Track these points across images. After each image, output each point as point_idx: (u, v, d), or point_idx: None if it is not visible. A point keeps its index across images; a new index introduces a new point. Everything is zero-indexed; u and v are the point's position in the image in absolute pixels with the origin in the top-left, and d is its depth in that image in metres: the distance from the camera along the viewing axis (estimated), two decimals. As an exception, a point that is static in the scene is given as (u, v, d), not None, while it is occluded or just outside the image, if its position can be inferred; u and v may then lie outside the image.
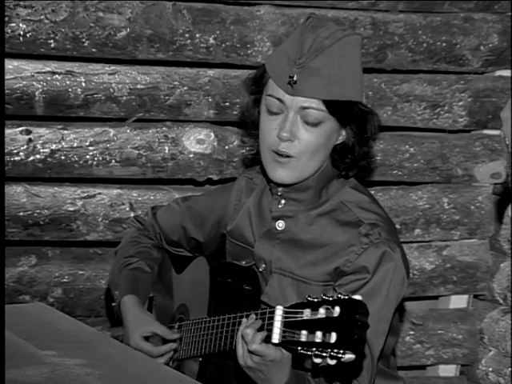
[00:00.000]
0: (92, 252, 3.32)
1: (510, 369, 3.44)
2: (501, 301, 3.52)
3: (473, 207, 3.50)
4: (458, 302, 3.60)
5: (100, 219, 3.21)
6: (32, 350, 1.94)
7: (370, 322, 2.11)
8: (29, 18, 3.03)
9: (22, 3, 3.01)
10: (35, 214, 3.16)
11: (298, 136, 2.23)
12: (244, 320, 2.11)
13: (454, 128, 3.49)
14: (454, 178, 3.49)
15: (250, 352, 2.05)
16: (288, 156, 2.24)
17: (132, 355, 2.08)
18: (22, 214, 3.15)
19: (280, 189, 2.34)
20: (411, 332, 3.54)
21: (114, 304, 2.56)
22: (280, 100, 2.24)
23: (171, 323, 2.56)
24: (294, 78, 2.19)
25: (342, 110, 2.23)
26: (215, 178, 3.29)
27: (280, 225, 2.36)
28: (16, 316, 2.17)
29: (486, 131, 3.51)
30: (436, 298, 3.63)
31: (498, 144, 3.49)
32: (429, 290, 3.52)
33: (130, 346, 2.43)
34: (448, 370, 3.63)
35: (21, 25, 3.03)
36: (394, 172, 3.44)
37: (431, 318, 3.57)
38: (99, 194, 3.21)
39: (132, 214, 3.21)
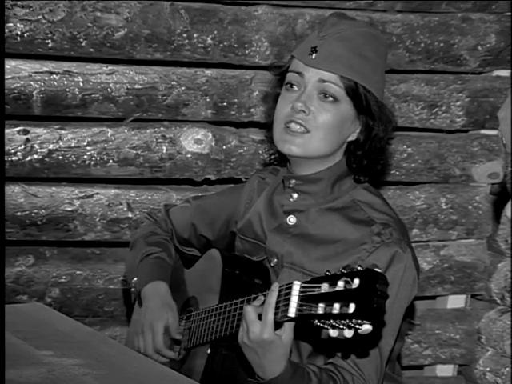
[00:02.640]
0: (90, 252, 3.32)
1: (507, 369, 3.44)
2: (498, 301, 3.52)
3: (470, 207, 3.50)
4: (456, 301, 3.60)
5: (98, 219, 3.21)
6: (30, 350, 1.94)
7: None
8: (26, 17, 3.03)
9: (19, 3, 3.01)
10: (33, 214, 3.16)
11: (313, 111, 2.24)
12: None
13: (452, 128, 3.49)
14: (452, 178, 3.49)
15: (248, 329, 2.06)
16: (300, 129, 2.24)
17: (130, 355, 2.08)
18: (19, 213, 3.14)
19: (292, 181, 2.34)
20: (409, 332, 3.54)
21: (133, 289, 2.55)
22: (299, 73, 2.26)
23: (180, 315, 2.56)
24: (316, 48, 2.23)
25: (359, 96, 2.25)
26: (213, 178, 3.29)
27: (291, 219, 2.36)
28: (14, 316, 2.17)
29: (483, 131, 3.51)
30: (434, 297, 3.63)
31: (495, 144, 3.49)
32: (426, 289, 3.52)
33: (152, 323, 2.41)
34: (445, 370, 3.63)
35: (18, 25, 3.03)
36: (392, 172, 3.44)
37: (429, 317, 3.57)
38: (97, 193, 3.21)
39: (130, 214, 3.21)
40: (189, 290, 2.57)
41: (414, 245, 3.44)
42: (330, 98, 2.24)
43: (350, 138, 2.30)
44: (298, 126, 2.25)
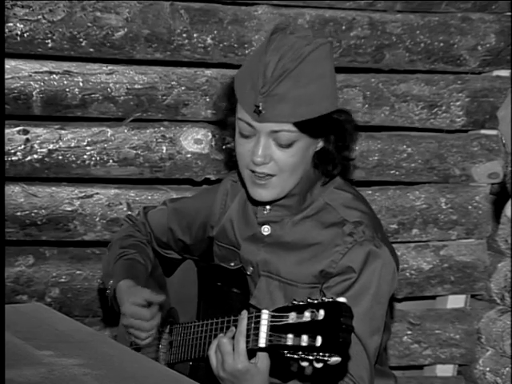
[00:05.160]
0: (89, 252, 3.32)
1: (507, 369, 3.44)
2: (498, 301, 3.52)
3: (470, 207, 3.50)
4: (456, 301, 3.60)
5: (97, 219, 3.21)
6: (29, 350, 1.94)
7: (363, 321, 2.12)
8: (26, 17, 3.03)
9: (19, 3, 3.01)
10: (33, 214, 3.16)
11: (273, 157, 2.21)
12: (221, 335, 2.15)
13: (452, 128, 3.49)
14: (452, 178, 3.49)
15: (223, 362, 2.08)
16: (268, 175, 2.23)
17: (129, 355, 2.08)
18: (19, 213, 3.14)
19: None
20: (409, 332, 3.54)
21: (108, 291, 2.51)
22: (250, 125, 2.21)
23: (161, 327, 2.55)
24: (260, 108, 2.16)
25: (314, 127, 2.20)
26: (213, 177, 3.29)
27: (266, 229, 2.36)
28: (13, 316, 2.16)
29: (483, 131, 3.51)
30: (433, 297, 3.63)
31: (495, 144, 3.50)
32: (426, 289, 3.53)
33: (125, 314, 2.38)
34: (445, 370, 3.63)
35: (18, 24, 3.03)
36: (392, 172, 3.44)
37: (429, 317, 3.57)
38: (97, 193, 3.21)
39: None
40: (169, 300, 2.57)
41: (413, 245, 3.49)
42: (286, 144, 2.20)
43: (315, 150, 2.28)
44: (263, 175, 2.23)
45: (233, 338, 2.09)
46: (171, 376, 1.95)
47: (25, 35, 3.04)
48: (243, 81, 2.24)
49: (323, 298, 1.86)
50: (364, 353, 2.20)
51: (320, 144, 2.27)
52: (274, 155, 2.21)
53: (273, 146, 2.20)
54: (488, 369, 3.53)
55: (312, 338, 1.84)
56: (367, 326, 2.19)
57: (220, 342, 2.10)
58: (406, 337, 3.54)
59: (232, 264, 2.42)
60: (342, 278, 2.21)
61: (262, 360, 2.07)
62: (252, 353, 2.07)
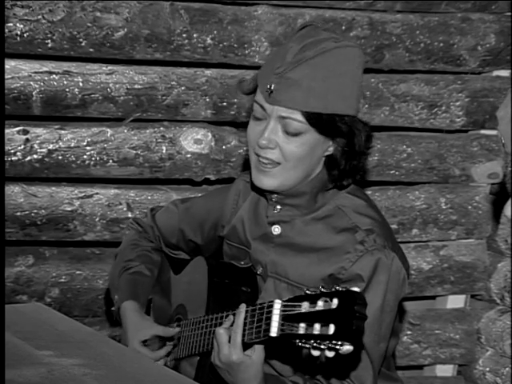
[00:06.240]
0: (89, 252, 3.32)
1: (507, 369, 3.44)
2: (498, 301, 3.52)
3: (470, 207, 3.50)
4: (456, 301, 3.60)
5: (97, 219, 3.21)
6: (29, 350, 1.94)
7: (369, 331, 2.12)
8: (26, 17, 3.03)
9: (19, 3, 3.01)
10: (32, 214, 3.16)
11: (279, 144, 2.20)
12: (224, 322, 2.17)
13: (452, 128, 3.49)
14: (452, 178, 3.49)
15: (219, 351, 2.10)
16: (271, 163, 2.22)
17: (129, 355, 2.08)
18: (19, 213, 3.15)
19: (274, 195, 2.32)
20: (408, 332, 3.54)
21: (113, 308, 2.55)
22: (262, 107, 2.21)
23: (169, 324, 2.56)
24: (271, 88, 2.17)
25: (324, 123, 2.18)
26: (213, 178, 3.29)
27: (276, 230, 2.34)
28: (13, 316, 2.16)
29: (483, 131, 3.52)
30: (433, 297, 3.63)
31: (495, 144, 3.50)
32: (426, 289, 3.53)
33: (127, 343, 2.42)
34: (445, 370, 3.63)
35: (18, 25, 3.03)
36: (392, 172, 3.44)
37: (428, 317, 3.57)
38: (96, 193, 3.21)
39: (129, 214, 3.21)
40: (177, 297, 2.57)
41: (413, 245, 3.49)
42: (293, 132, 2.19)
43: (326, 153, 2.26)
44: (267, 161, 2.23)
45: (230, 327, 2.12)
46: (171, 376, 1.95)
47: (25, 35, 3.04)
48: (265, 64, 2.28)
49: (337, 287, 1.85)
50: (369, 361, 2.20)
51: (331, 148, 2.25)
52: (280, 142, 2.20)
53: (280, 131, 2.20)
54: (488, 369, 3.53)
55: (325, 327, 1.83)
56: (373, 336, 2.19)
57: (216, 333, 2.13)
58: (405, 337, 3.54)
59: (242, 263, 2.42)
60: (351, 286, 2.20)
61: (258, 352, 2.09)
62: (248, 345, 2.09)
